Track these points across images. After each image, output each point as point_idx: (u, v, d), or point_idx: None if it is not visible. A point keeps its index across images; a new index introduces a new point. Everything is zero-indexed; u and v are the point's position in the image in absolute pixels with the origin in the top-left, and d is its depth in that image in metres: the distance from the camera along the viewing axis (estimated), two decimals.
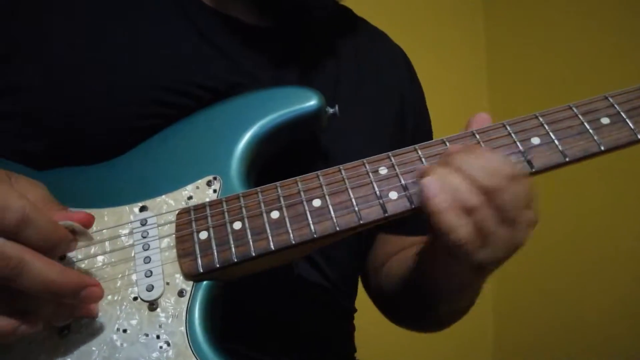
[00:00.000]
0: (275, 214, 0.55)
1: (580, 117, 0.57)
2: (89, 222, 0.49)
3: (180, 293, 0.52)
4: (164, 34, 0.66)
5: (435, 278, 0.59)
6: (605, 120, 0.56)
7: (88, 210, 0.56)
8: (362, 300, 0.82)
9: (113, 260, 0.54)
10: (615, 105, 0.57)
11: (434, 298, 0.63)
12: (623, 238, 1.40)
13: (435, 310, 0.66)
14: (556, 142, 0.55)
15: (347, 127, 0.72)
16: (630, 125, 0.56)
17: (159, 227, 0.56)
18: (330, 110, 0.66)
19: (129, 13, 0.66)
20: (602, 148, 0.55)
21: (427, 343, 1.54)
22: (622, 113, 0.56)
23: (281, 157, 0.65)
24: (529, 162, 0.55)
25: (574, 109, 0.58)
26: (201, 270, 0.53)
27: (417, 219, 0.54)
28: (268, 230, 0.54)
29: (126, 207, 0.57)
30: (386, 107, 0.78)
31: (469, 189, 0.49)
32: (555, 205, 1.58)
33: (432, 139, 0.82)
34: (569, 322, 1.52)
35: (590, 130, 0.56)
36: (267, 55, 0.70)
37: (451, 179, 0.49)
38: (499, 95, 1.90)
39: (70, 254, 0.53)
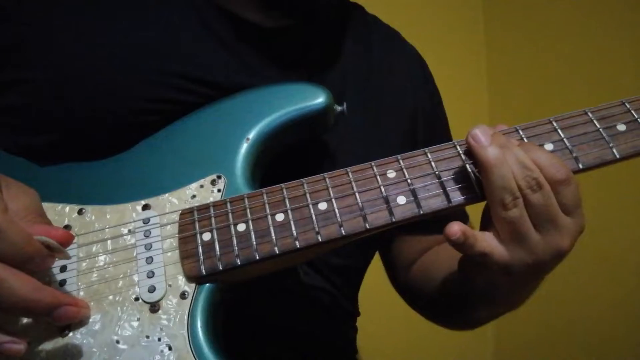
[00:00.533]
0: (280, 217, 0.54)
1: (595, 122, 0.55)
2: (66, 240, 0.47)
3: (183, 295, 0.52)
4: (172, 30, 0.65)
5: (477, 287, 0.58)
6: (621, 127, 0.55)
7: (90, 207, 0.57)
8: (363, 300, 0.82)
9: (115, 259, 0.54)
10: (633, 112, 0.55)
11: (474, 304, 0.63)
12: (624, 237, 1.39)
13: (473, 314, 0.66)
14: (570, 148, 0.54)
15: (355, 127, 0.70)
16: None
17: (162, 227, 0.55)
18: (339, 108, 0.64)
19: (136, 8, 0.65)
20: (618, 156, 0.53)
21: (427, 343, 1.55)
22: (639, 120, 0.55)
23: (288, 156, 0.63)
24: None
25: (589, 114, 0.56)
26: (204, 273, 0.52)
27: (441, 218, 0.53)
28: (272, 234, 0.53)
29: (129, 205, 0.57)
30: (397, 109, 0.76)
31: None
32: None
33: (450, 137, 0.82)
34: (569, 322, 1.51)
35: (606, 137, 0.54)
36: (275, 55, 0.68)
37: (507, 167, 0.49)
38: (499, 95, 1.89)
39: (72, 253, 0.53)
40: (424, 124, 0.78)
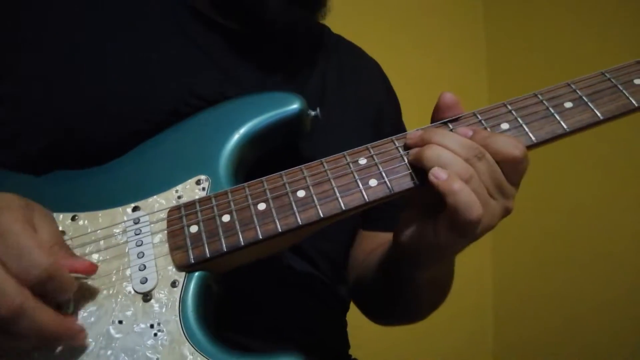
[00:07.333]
0: (262, 206, 0.57)
1: (545, 102, 0.60)
2: (91, 272, 0.52)
3: (173, 284, 0.54)
4: (160, 42, 0.69)
5: (409, 252, 0.60)
6: (568, 105, 0.60)
7: (83, 213, 0.60)
8: None
9: (108, 257, 0.57)
10: (577, 91, 0.61)
11: (413, 283, 0.66)
12: (623, 237, 1.41)
13: (417, 296, 0.70)
14: (524, 126, 0.59)
15: (330, 132, 0.75)
16: (592, 107, 0.59)
17: (151, 225, 0.58)
18: (312, 113, 0.69)
19: (125, 19, 0.69)
20: (567, 129, 0.58)
21: (426, 343, 1.54)
22: (583, 97, 0.60)
23: (267, 162, 0.67)
24: None
25: (538, 96, 0.61)
26: (192, 262, 0.55)
27: (393, 215, 0.58)
28: (255, 221, 0.56)
29: (119, 209, 0.60)
30: (365, 116, 0.83)
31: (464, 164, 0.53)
32: (554, 204, 1.60)
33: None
34: (569, 322, 1.51)
35: (555, 114, 0.59)
36: (255, 66, 0.73)
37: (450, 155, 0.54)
38: (499, 94, 1.91)
39: None
40: (390, 126, 0.84)
